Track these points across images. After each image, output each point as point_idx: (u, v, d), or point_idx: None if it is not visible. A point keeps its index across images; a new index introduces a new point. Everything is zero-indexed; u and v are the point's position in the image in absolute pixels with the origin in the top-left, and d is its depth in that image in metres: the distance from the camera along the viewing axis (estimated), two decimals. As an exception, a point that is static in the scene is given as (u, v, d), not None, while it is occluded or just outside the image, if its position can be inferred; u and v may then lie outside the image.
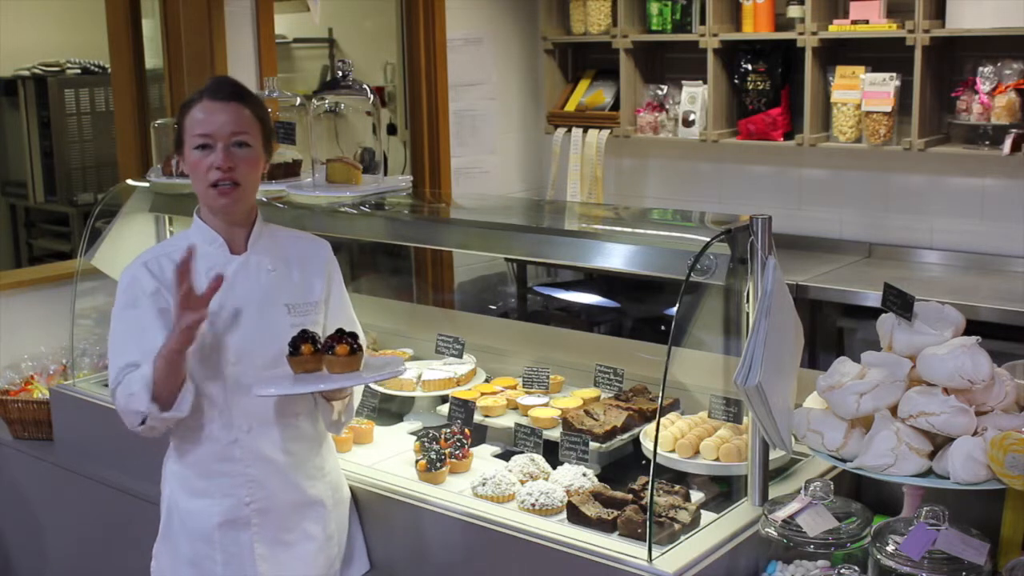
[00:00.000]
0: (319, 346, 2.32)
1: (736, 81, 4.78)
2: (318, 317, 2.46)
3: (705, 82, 4.77)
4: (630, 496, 2.38)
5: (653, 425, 2.63)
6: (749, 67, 4.71)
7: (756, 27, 4.63)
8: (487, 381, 3.16)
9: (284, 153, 3.16)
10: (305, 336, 2.31)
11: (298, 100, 3.28)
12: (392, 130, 5.36)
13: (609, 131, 5.12)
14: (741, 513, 2.36)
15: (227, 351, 2.35)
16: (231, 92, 2.37)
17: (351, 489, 2.60)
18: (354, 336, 2.33)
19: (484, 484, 2.51)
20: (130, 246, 3.30)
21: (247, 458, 2.39)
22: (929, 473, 2.13)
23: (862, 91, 4.37)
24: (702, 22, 4.74)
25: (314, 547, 2.46)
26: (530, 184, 5.63)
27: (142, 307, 2.35)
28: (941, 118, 4.38)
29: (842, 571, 2.10)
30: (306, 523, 2.46)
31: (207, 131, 2.31)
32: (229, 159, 2.31)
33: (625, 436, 2.74)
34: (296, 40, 6.34)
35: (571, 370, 3.13)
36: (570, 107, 5.32)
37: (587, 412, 2.79)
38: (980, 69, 4.13)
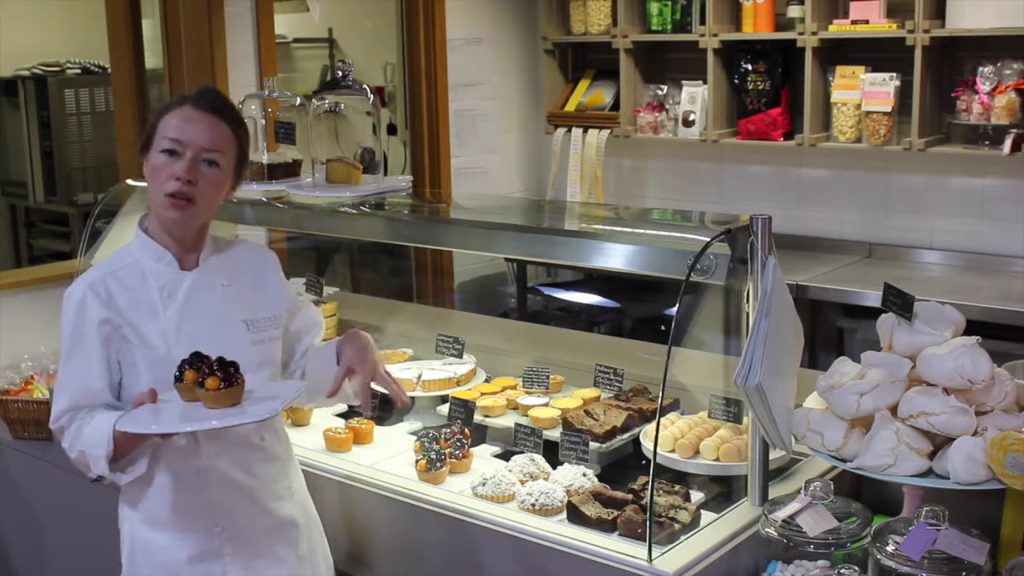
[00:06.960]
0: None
1: (736, 81, 4.78)
2: (277, 332, 2.34)
3: (705, 82, 4.77)
4: (630, 496, 2.38)
5: (653, 425, 2.63)
6: (749, 67, 4.71)
7: (756, 27, 4.63)
8: (487, 381, 3.16)
9: (284, 153, 3.16)
10: (193, 361, 2.08)
11: (298, 100, 3.28)
12: (392, 130, 5.36)
13: (609, 131, 5.12)
14: (741, 513, 2.36)
15: None
16: (214, 104, 2.22)
17: (351, 489, 2.60)
18: (233, 366, 2.08)
19: (484, 484, 2.50)
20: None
21: (214, 485, 2.23)
22: (929, 473, 2.13)
23: (862, 91, 4.37)
24: (702, 22, 4.74)
25: (285, 571, 2.33)
26: (530, 184, 5.63)
27: (87, 340, 2.18)
28: (941, 118, 4.38)
29: (842, 571, 2.10)
30: (278, 547, 2.32)
31: (179, 137, 2.16)
32: (192, 173, 2.15)
33: (625, 436, 2.74)
34: (296, 40, 6.33)
35: (571, 370, 3.13)
36: (570, 107, 5.32)
37: (587, 412, 2.79)
38: (980, 69, 4.13)
